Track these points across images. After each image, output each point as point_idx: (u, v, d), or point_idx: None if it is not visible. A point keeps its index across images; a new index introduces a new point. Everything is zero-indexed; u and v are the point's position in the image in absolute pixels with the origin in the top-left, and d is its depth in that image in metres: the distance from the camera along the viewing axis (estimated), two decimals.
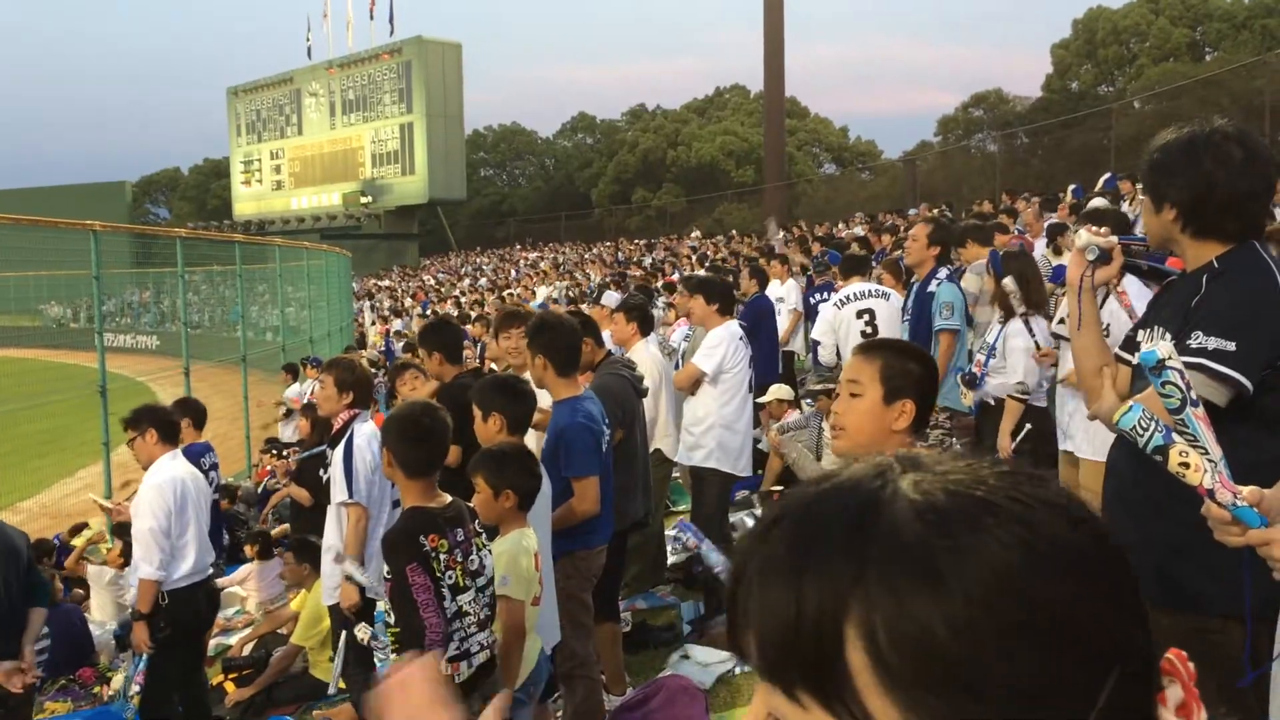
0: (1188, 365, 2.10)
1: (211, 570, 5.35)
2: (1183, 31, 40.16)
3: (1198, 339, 2.15)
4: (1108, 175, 17.07)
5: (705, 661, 5.24)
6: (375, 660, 4.79)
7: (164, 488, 5.00)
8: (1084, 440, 4.65)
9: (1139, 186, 2.79)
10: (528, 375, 4.43)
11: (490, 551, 3.48)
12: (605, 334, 6.18)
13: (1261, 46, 32.93)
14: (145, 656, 4.96)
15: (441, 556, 3.20)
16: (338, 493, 4.80)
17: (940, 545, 0.56)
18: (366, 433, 4.94)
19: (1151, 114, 30.48)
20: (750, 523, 7.28)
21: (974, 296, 6.52)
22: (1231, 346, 2.11)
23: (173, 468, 5.14)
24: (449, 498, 3.43)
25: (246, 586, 7.55)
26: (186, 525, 5.07)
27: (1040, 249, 10.01)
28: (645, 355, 6.04)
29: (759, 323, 8.97)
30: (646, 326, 6.23)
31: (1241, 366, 2.10)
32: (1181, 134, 2.35)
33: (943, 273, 6.28)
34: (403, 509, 3.42)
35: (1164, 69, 36.46)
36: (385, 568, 3.26)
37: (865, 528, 0.58)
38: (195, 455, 6.66)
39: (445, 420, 3.48)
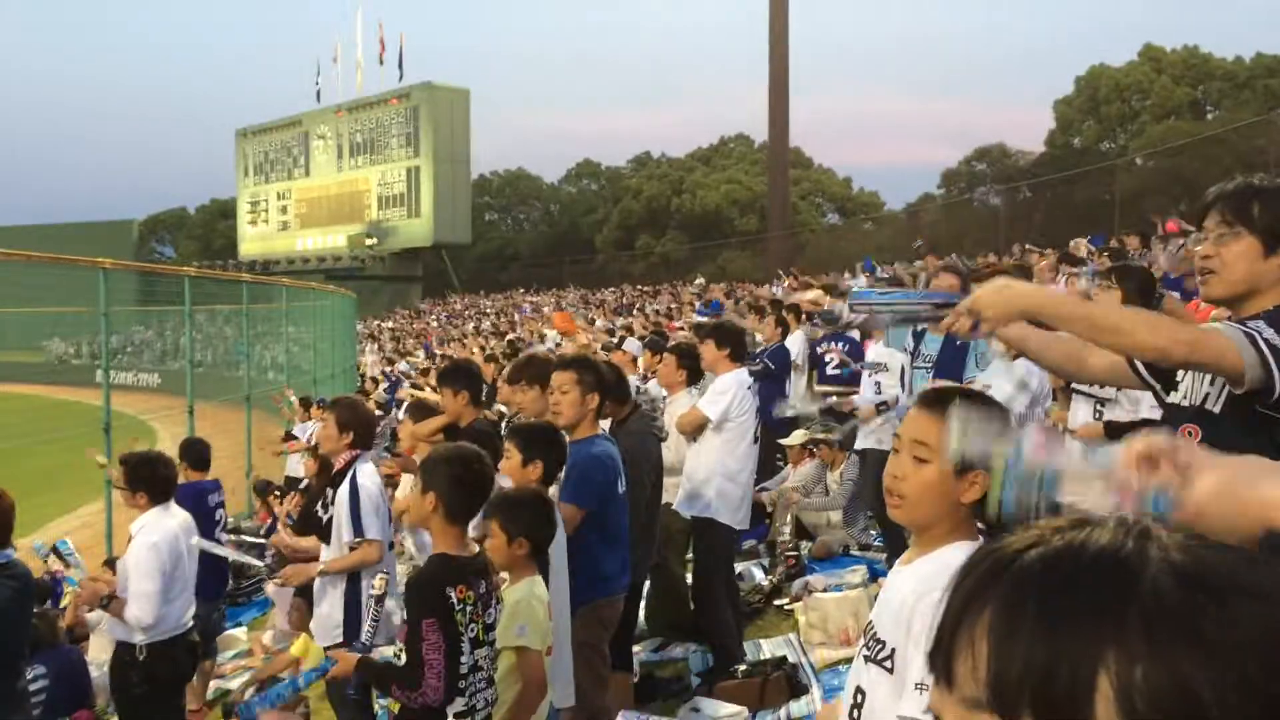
0: (1251, 340, 2.02)
1: (192, 624, 5.26)
2: (1185, 90, 40.62)
3: (1257, 323, 2.09)
4: (1090, 237, 17.15)
5: (715, 715, 5.15)
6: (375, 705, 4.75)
7: (160, 547, 4.90)
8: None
9: (1217, 219, 2.56)
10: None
11: (500, 605, 3.43)
12: (634, 379, 6.13)
13: (1263, 106, 33.23)
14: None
15: (468, 609, 3.16)
16: (346, 533, 4.76)
17: (1210, 612, 0.59)
18: (368, 472, 4.92)
19: (1153, 171, 30.72)
20: (759, 574, 7.20)
21: None
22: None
23: (164, 522, 5.03)
24: (477, 547, 3.39)
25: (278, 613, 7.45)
26: (177, 580, 5.00)
27: None
28: (686, 405, 5.98)
29: (781, 369, 8.99)
30: (695, 374, 6.17)
31: None
32: None
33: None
34: (431, 554, 3.38)
35: (1166, 127, 36.80)
36: (401, 614, 3.22)
37: (1126, 584, 0.61)
38: (203, 493, 6.60)
39: (491, 467, 3.47)
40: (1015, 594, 0.63)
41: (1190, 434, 2.33)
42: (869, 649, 2.07)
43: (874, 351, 6.71)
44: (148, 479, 5.10)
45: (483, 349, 18.66)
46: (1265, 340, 2.04)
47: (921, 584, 1.95)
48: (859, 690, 2.07)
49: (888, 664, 1.99)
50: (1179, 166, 27.81)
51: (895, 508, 2.07)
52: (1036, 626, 0.61)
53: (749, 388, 6.02)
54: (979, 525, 2.04)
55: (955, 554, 1.92)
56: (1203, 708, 0.57)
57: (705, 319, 14.50)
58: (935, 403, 2.07)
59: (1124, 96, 42.03)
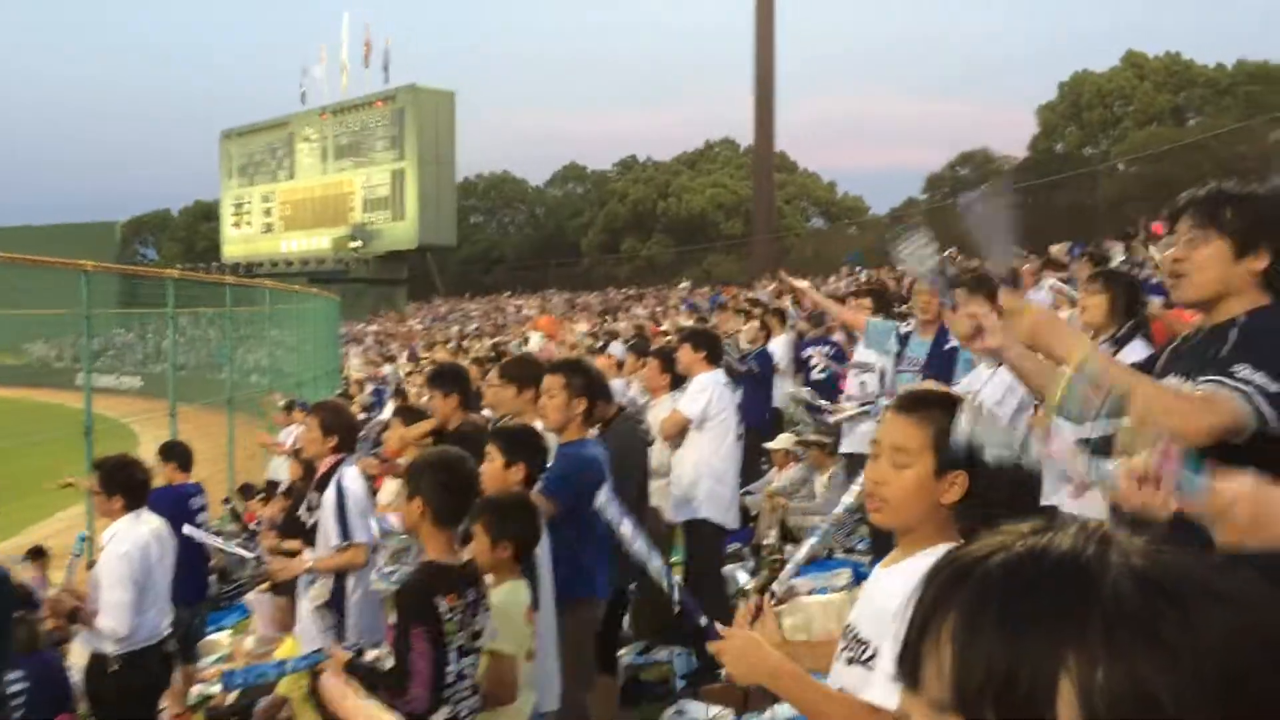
0: (1237, 389, 2.08)
1: (169, 630, 5.22)
2: (1166, 97, 40.87)
3: (1244, 371, 2.12)
4: (1070, 245, 17.28)
5: (700, 718, 5.15)
6: None
7: (131, 556, 4.86)
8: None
9: (1189, 222, 2.55)
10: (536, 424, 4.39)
11: (489, 612, 3.41)
12: (617, 383, 6.12)
13: (1244, 113, 33.48)
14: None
15: (456, 617, 3.15)
16: (333, 537, 4.74)
17: (1168, 617, 0.60)
18: (353, 475, 4.91)
19: (1135, 176, 30.92)
20: (743, 577, 7.20)
21: None
22: (1275, 388, 2.10)
23: (136, 530, 4.98)
24: (466, 554, 3.38)
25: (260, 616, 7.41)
26: (150, 589, 4.95)
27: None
28: (669, 408, 5.99)
29: (765, 372, 9.01)
30: (679, 379, 6.19)
31: (1277, 408, 2.09)
32: None
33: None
34: (420, 561, 3.36)
35: (1148, 133, 37.04)
36: (391, 617, 3.20)
37: (1087, 588, 0.62)
38: (185, 496, 6.56)
39: (476, 470, 3.48)
40: (978, 599, 0.65)
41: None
42: (851, 650, 2.06)
43: (860, 353, 6.73)
44: (124, 483, 5.06)
45: (464, 351, 18.60)
46: (1257, 390, 2.08)
47: (909, 585, 1.93)
48: (842, 691, 2.06)
49: (871, 664, 1.98)
50: (1161, 172, 27.97)
51: (877, 512, 2.06)
52: (998, 630, 0.62)
53: (725, 384, 6.08)
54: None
55: (940, 554, 1.91)
56: (1161, 710, 0.58)
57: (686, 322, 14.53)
58: (912, 407, 2.07)
59: (1106, 102, 42.26)
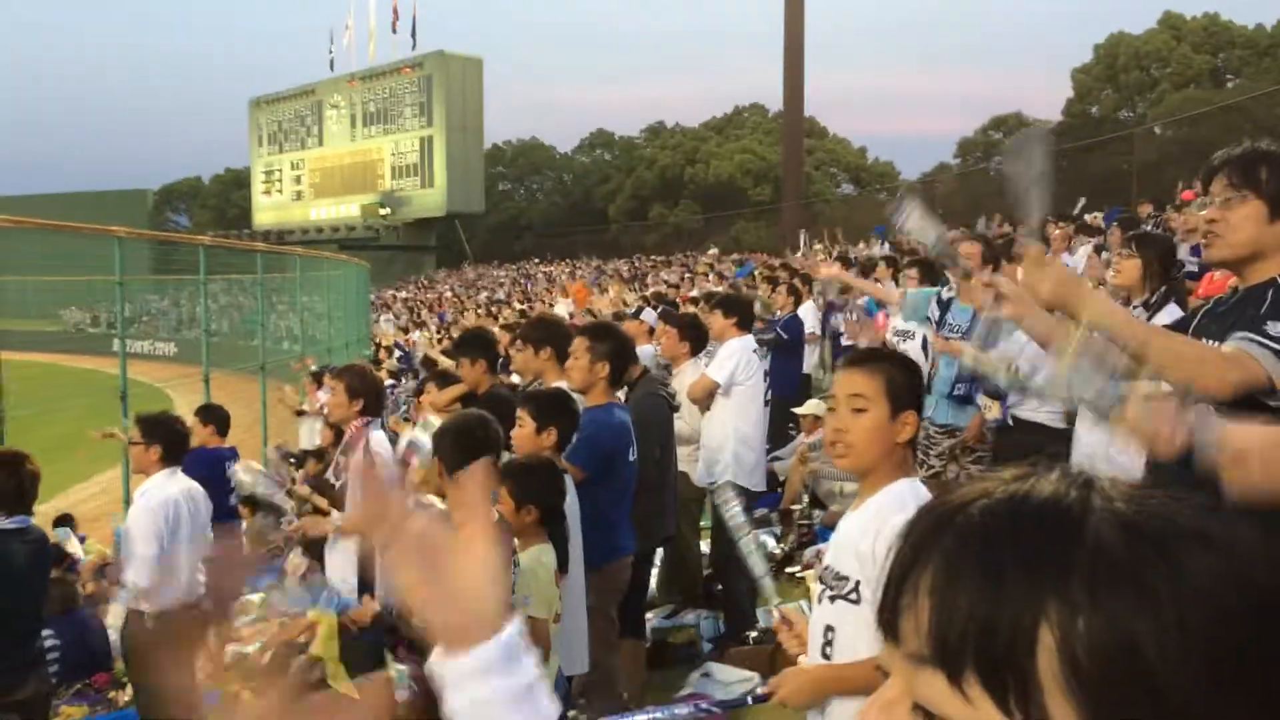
0: (1265, 346, 2.11)
1: (205, 591, 5.27)
2: (1204, 58, 40.16)
3: (1277, 328, 2.14)
4: (1107, 211, 17.13)
5: (726, 680, 5.18)
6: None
7: (157, 511, 4.92)
8: (1104, 465, 4.57)
9: (1224, 183, 2.50)
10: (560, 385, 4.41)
11: (518, 569, 3.44)
12: (647, 349, 6.10)
13: None
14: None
15: None
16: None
17: (1154, 564, 0.58)
18: (379, 439, 4.94)
19: (1172, 140, 30.43)
20: (771, 542, 7.22)
21: None
22: None
23: (166, 488, 5.04)
24: (495, 514, 3.41)
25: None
26: (178, 547, 5.00)
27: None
28: (693, 375, 5.99)
29: (795, 339, 8.98)
30: (699, 345, 6.17)
31: None
32: None
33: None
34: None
35: (1185, 95, 36.39)
36: None
37: (1070, 535, 0.60)
38: (220, 460, 6.63)
39: (499, 432, 3.49)
40: (958, 547, 0.62)
41: None
42: (832, 588, 2.26)
43: (899, 321, 6.70)
44: (164, 434, 5.13)
45: (493, 317, 18.65)
46: None
47: (878, 517, 2.17)
48: (828, 628, 2.25)
49: (853, 596, 2.20)
50: (1197, 135, 27.50)
51: (842, 458, 2.29)
52: (978, 579, 0.60)
53: (754, 351, 6.07)
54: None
55: (902, 487, 2.22)
56: (1145, 659, 0.56)
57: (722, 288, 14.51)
58: (863, 360, 2.38)
59: (1143, 65, 41.56)
